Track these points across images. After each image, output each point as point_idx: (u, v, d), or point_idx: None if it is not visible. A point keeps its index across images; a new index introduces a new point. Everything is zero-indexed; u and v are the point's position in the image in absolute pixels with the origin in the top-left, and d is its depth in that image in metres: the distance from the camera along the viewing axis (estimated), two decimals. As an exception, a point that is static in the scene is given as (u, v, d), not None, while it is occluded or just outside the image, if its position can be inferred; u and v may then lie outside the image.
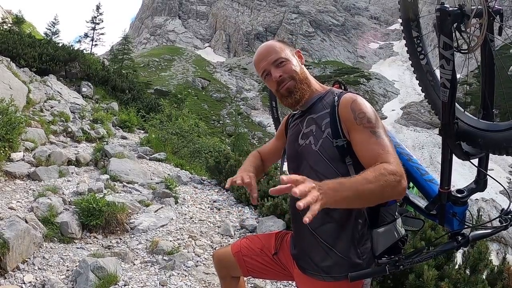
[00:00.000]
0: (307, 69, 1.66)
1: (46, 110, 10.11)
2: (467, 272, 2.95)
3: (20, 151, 6.15)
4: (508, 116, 1.23)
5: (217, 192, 6.51)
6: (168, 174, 7.21)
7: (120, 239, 4.21)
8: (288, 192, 1.10)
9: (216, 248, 4.11)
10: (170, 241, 4.22)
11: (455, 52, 1.17)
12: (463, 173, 16.77)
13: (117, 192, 5.52)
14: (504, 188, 1.72)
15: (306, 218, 1.04)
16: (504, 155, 1.19)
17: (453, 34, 1.16)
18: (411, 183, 1.57)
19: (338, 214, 1.46)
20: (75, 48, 18.10)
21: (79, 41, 37.44)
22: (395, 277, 2.97)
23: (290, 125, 1.73)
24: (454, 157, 1.37)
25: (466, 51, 1.22)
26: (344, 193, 1.17)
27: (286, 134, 1.76)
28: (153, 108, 15.66)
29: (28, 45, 14.86)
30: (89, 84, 15.35)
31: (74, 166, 6.52)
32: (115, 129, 11.31)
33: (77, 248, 3.87)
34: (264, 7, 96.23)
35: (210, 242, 4.36)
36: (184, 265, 3.68)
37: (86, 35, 37.47)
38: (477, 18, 1.15)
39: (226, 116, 48.63)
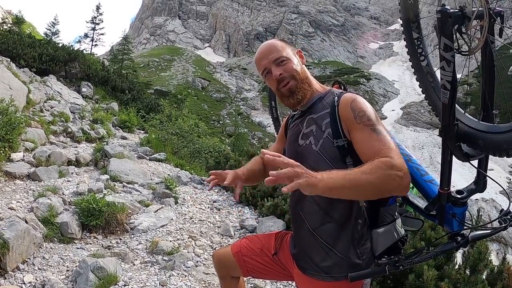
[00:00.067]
0: (307, 69, 1.67)
1: (46, 110, 10.11)
2: (467, 272, 2.95)
3: (20, 152, 6.15)
4: (509, 118, 1.23)
5: (217, 192, 6.51)
6: (168, 174, 7.21)
7: (120, 239, 4.21)
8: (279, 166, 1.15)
9: (216, 248, 4.11)
10: (170, 241, 4.22)
11: (455, 53, 1.17)
12: (463, 173, 16.77)
13: (117, 192, 5.52)
14: (504, 189, 1.73)
15: (284, 188, 1.10)
16: (505, 157, 1.19)
17: (454, 35, 1.16)
18: (410, 183, 1.57)
19: (338, 214, 1.46)
20: (75, 48, 18.10)
21: (79, 41, 37.44)
22: (395, 277, 2.98)
23: (290, 126, 1.73)
24: (454, 158, 1.37)
25: (467, 52, 1.22)
26: (338, 181, 1.19)
27: (286, 135, 1.76)
28: (153, 108, 15.66)
29: (28, 45, 14.86)
30: (89, 84, 15.35)
31: (74, 166, 6.52)
32: (115, 129, 11.31)
33: (77, 248, 3.87)
34: (264, 7, 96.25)
35: (210, 242, 4.36)
36: (184, 265, 3.68)
37: (86, 35, 37.44)
38: (478, 20, 1.16)
39: (226, 116, 48.63)
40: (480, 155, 1.35)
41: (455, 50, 1.17)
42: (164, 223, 4.69)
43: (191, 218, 5.06)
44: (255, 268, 1.85)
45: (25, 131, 6.96)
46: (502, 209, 1.38)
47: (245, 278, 2.27)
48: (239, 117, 45.33)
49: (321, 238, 1.50)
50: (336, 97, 1.50)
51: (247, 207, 5.73)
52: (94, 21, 37.53)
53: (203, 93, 55.83)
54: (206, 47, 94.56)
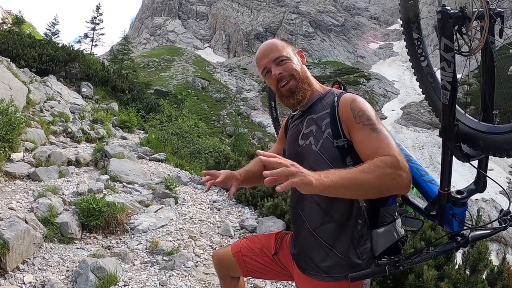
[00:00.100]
0: (307, 69, 1.67)
1: (46, 110, 10.11)
2: (467, 272, 2.95)
3: (20, 152, 6.15)
4: (509, 118, 1.23)
5: (217, 192, 6.51)
6: (168, 175, 7.21)
7: (120, 239, 4.22)
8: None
9: (216, 249, 4.11)
10: (170, 241, 4.22)
11: (456, 54, 1.17)
12: (463, 174, 16.76)
13: (117, 193, 5.52)
14: (504, 189, 1.73)
15: (278, 187, 1.10)
16: (505, 158, 1.19)
17: (454, 36, 1.16)
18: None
19: (338, 214, 1.46)
20: (75, 49, 18.11)
21: (79, 42, 37.46)
22: (395, 277, 2.98)
23: (290, 126, 1.73)
24: (454, 158, 1.37)
25: (467, 53, 1.22)
26: (336, 180, 1.20)
27: (286, 135, 1.76)
28: (153, 109, 15.66)
29: (28, 45, 14.86)
30: (89, 84, 15.35)
31: (74, 167, 6.52)
32: (115, 130, 11.31)
33: (77, 248, 3.87)
34: (264, 7, 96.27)
35: (210, 243, 4.36)
36: (184, 265, 3.68)
37: (86, 36, 37.47)
38: (478, 21, 1.16)
39: (226, 116, 48.64)
40: (480, 155, 1.35)
41: (455, 51, 1.17)
42: (164, 223, 4.69)
43: (191, 218, 5.06)
44: (255, 268, 1.85)
45: (25, 131, 6.96)
46: (502, 209, 1.38)
47: (245, 278, 2.27)
48: (239, 117, 45.34)
49: (321, 238, 1.50)
50: (336, 97, 1.51)
51: (247, 207, 5.73)
52: (94, 21, 37.55)
53: (203, 93, 55.84)
54: (206, 47, 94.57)
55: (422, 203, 1.52)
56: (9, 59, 12.52)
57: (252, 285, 3.45)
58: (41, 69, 13.91)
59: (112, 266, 3.31)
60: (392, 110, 54.52)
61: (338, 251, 1.47)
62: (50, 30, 32.20)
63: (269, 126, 44.12)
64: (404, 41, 1.57)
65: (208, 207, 5.66)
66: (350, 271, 1.42)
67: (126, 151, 7.94)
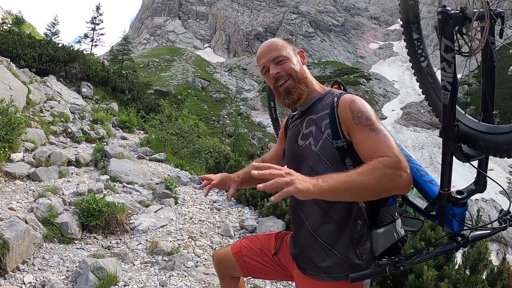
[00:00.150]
0: (307, 69, 1.67)
1: (46, 110, 10.11)
2: (467, 272, 2.95)
3: (20, 152, 6.15)
4: (509, 118, 1.23)
5: (217, 192, 6.51)
6: (168, 175, 7.21)
7: (120, 239, 4.22)
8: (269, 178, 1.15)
9: (216, 249, 4.11)
10: (170, 241, 4.22)
11: (456, 54, 1.17)
12: (463, 174, 16.77)
13: (117, 193, 5.52)
14: (504, 189, 1.73)
15: (272, 198, 1.11)
16: (505, 158, 1.19)
17: (455, 37, 1.16)
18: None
19: (338, 215, 1.46)
20: (75, 49, 18.12)
21: (79, 42, 37.49)
22: (394, 277, 2.98)
23: (289, 126, 1.74)
24: (454, 158, 1.37)
25: (468, 54, 1.22)
26: (334, 184, 1.20)
27: (286, 136, 1.77)
28: (153, 109, 15.67)
29: (28, 45, 14.87)
30: (89, 84, 15.35)
31: (74, 167, 6.52)
32: (115, 130, 11.31)
33: (77, 248, 3.87)
34: (264, 8, 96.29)
35: (210, 243, 4.36)
36: (184, 265, 3.68)
37: (86, 36, 37.49)
38: (478, 21, 1.15)
39: (226, 116, 48.65)
40: (481, 155, 1.35)
41: (455, 51, 1.17)
42: (164, 223, 4.69)
43: (191, 219, 5.07)
44: (255, 268, 1.85)
45: (25, 131, 6.97)
46: (502, 209, 1.38)
47: (245, 278, 2.27)
48: (239, 117, 45.37)
49: (321, 239, 1.50)
50: (336, 98, 1.51)
51: (247, 207, 5.73)
52: (94, 21, 37.57)
53: (203, 93, 55.86)
54: (206, 47, 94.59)
55: (422, 203, 1.52)
56: (9, 59, 12.52)
57: (252, 285, 3.45)
58: (41, 69, 13.92)
59: (112, 266, 3.31)
60: (392, 110, 54.53)
61: (337, 251, 1.47)
62: (50, 30, 32.21)
63: (269, 126, 44.07)
64: (404, 41, 1.56)
65: (208, 207, 5.66)
66: (349, 271, 1.42)
67: (126, 151, 7.94)
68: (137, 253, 3.92)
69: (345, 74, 62.47)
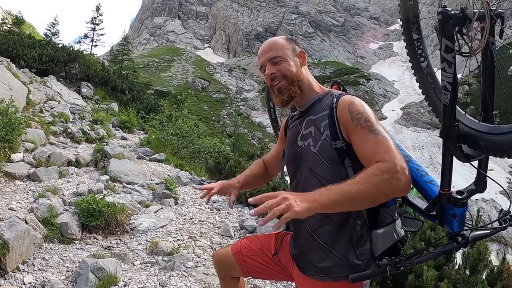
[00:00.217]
0: (307, 70, 1.67)
1: (46, 111, 10.11)
2: (467, 272, 2.95)
3: (20, 152, 6.15)
4: (509, 118, 1.23)
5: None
6: (168, 175, 7.21)
7: (120, 239, 4.22)
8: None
9: (216, 249, 4.11)
10: (170, 241, 4.22)
11: (456, 55, 1.17)
12: (463, 174, 16.78)
13: (117, 193, 5.52)
14: (504, 189, 1.73)
15: (276, 227, 1.13)
16: (506, 158, 1.19)
17: (455, 37, 1.16)
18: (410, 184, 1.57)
19: (337, 216, 1.46)
20: (75, 49, 18.12)
21: (79, 42, 37.54)
22: (394, 277, 2.98)
23: (289, 127, 1.74)
24: (454, 158, 1.37)
25: (468, 54, 1.22)
26: (332, 197, 1.20)
27: (286, 136, 1.77)
28: (153, 109, 15.66)
29: (28, 45, 14.86)
30: (89, 84, 15.35)
31: (74, 167, 6.53)
32: (115, 130, 11.31)
33: (77, 249, 3.87)
34: (264, 8, 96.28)
35: (210, 243, 4.36)
36: (184, 265, 3.68)
37: (86, 36, 37.53)
38: (478, 21, 1.15)
39: (226, 116, 48.65)
40: (481, 155, 1.35)
41: (456, 52, 1.17)
42: (164, 223, 4.69)
43: (191, 219, 5.06)
44: (255, 269, 1.85)
45: (25, 131, 6.97)
46: (502, 209, 1.38)
47: (245, 279, 2.27)
48: (239, 117, 45.39)
49: (320, 239, 1.50)
50: (335, 99, 1.51)
51: (247, 207, 5.73)
52: (94, 21, 37.61)
53: (203, 94, 55.86)
54: (206, 48, 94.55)
55: (422, 204, 1.52)
56: (9, 60, 12.52)
57: (252, 285, 3.45)
58: (41, 70, 13.92)
59: (112, 267, 3.31)
60: (392, 110, 54.53)
61: (337, 251, 1.47)
62: (50, 30, 32.22)
63: (269, 126, 43.95)
64: (404, 41, 1.56)
65: (208, 208, 5.66)
66: (349, 271, 1.42)
67: (126, 151, 7.94)
68: (137, 253, 3.92)
69: (345, 74, 62.47)
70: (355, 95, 1.53)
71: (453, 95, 1.21)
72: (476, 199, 25.69)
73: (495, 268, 3.01)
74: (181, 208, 5.46)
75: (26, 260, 3.43)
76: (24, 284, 3.12)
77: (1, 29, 18.42)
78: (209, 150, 10.62)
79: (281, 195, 1.17)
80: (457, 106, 1.28)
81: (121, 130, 11.79)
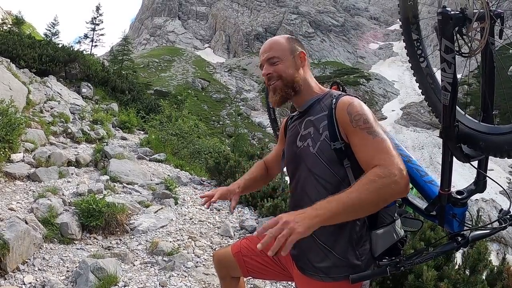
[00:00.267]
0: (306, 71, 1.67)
1: (46, 111, 10.11)
2: (467, 272, 2.95)
3: (20, 152, 6.15)
4: (509, 118, 1.23)
5: (217, 192, 6.50)
6: (168, 175, 7.21)
7: (120, 240, 4.22)
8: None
9: (216, 249, 4.11)
10: (170, 242, 4.22)
11: (456, 55, 1.17)
12: (463, 174, 16.77)
13: (117, 193, 5.52)
14: (504, 189, 1.73)
15: (282, 253, 1.13)
16: (506, 158, 1.19)
17: (455, 37, 1.16)
18: (410, 184, 1.57)
19: None
20: (75, 49, 18.11)
21: (79, 42, 37.47)
22: (394, 277, 2.98)
23: (289, 127, 1.74)
24: (454, 158, 1.38)
25: (468, 54, 1.22)
26: (333, 209, 1.22)
27: (286, 136, 1.77)
28: (153, 109, 15.67)
29: (28, 46, 14.87)
30: (89, 85, 15.35)
31: (74, 167, 6.52)
32: (115, 130, 11.31)
33: (77, 249, 3.87)
34: (264, 8, 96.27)
35: (209, 243, 4.36)
36: (184, 265, 3.69)
37: (86, 36, 37.47)
38: (478, 22, 1.16)
39: (226, 116, 48.65)
40: (481, 156, 1.35)
41: (456, 52, 1.17)
42: (164, 223, 4.69)
43: (191, 219, 5.07)
44: (255, 269, 1.86)
45: (25, 131, 6.97)
46: (502, 209, 1.38)
47: (245, 279, 2.27)
48: (239, 117, 45.36)
49: (320, 240, 1.50)
50: (334, 100, 1.51)
51: (247, 207, 5.73)
52: (94, 21, 37.56)
53: (203, 94, 55.84)
54: (206, 48, 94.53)
55: (422, 204, 1.52)
56: (9, 60, 12.51)
57: (252, 286, 3.45)
58: (41, 70, 13.92)
59: (112, 267, 3.31)
60: (392, 111, 54.52)
61: (336, 252, 1.47)
62: (50, 30, 32.21)
63: (269, 127, 43.96)
64: (404, 42, 1.56)
65: (208, 208, 5.65)
66: (349, 271, 1.42)
67: (126, 151, 7.94)
68: (137, 253, 3.92)
69: (345, 74, 62.45)
70: (354, 96, 1.53)
71: (453, 95, 1.21)
72: (476, 199, 25.70)
73: (495, 268, 3.01)
74: (181, 208, 5.46)
75: (26, 260, 3.43)
76: (24, 284, 3.12)
77: (1, 29, 18.42)
78: (209, 150, 10.61)
79: (281, 220, 1.17)
80: (456, 106, 1.28)
81: (121, 130, 11.79)
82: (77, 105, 12.13)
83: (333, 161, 1.46)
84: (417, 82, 1.59)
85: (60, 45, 17.66)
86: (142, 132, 12.80)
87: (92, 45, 36.51)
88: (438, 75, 1.33)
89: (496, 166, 35.44)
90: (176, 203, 5.59)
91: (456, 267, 2.99)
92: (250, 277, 2.38)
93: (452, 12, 1.14)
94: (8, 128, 5.77)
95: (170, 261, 3.68)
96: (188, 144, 11.03)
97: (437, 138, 36.41)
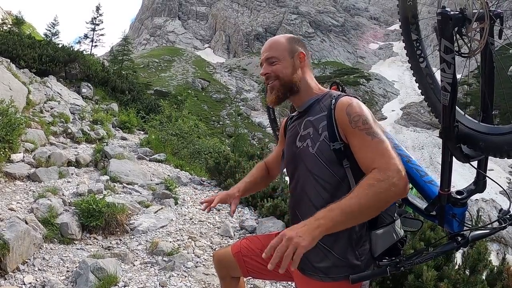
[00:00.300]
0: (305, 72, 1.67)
1: (46, 111, 10.11)
2: (467, 272, 2.95)
3: (20, 152, 6.15)
4: (508, 118, 1.23)
5: (217, 192, 6.50)
6: (168, 175, 7.21)
7: (120, 240, 4.22)
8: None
9: (216, 249, 4.11)
10: (170, 242, 4.23)
11: (456, 55, 1.17)
12: (463, 174, 16.76)
13: (117, 193, 5.52)
14: (504, 189, 1.73)
15: (292, 268, 1.15)
16: (505, 158, 1.19)
17: (454, 38, 1.16)
18: (410, 184, 1.57)
19: None
20: (75, 49, 18.11)
21: (79, 42, 37.45)
22: (394, 277, 2.98)
23: (288, 127, 1.75)
24: (454, 158, 1.38)
25: (467, 54, 1.22)
26: (335, 218, 1.23)
27: (286, 137, 1.78)
28: (153, 109, 15.67)
29: (28, 46, 14.87)
30: (89, 85, 15.35)
31: (74, 167, 6.53)
32: (115, 130, 11.31)
33: (77, 249, 3.88)
34: (264, 8, 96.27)
35: (209, 243, 4.36)
36: (183, 266, 3.69)
37: (86, 36, 37.46)
38: (478, 22, 1.16)
39: (226, 116, 48.65)
40: (480, 156, 1.35)
41: (455, 52, 1.17)
42: (164, 223, 4.69)
43: (191, 219, 5.07)
44: (255, 269, 1.86)
45: (25, 132, 6.97)
46: (501, 209, 1.38)
47: (245, 279, 2.27)
48: (239, 117, 45.36)
49: (319, 240, 1.50)
50: (333, 100, 1.51)
51: (246, 207, 5.73)
52: (94, 21, 37.55)
53: (203, 94, 55.84)
54: (206, 48, 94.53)
55: (421, 204, 1.52)
56: (9, 60, 12.52)
57: (252, 286, 3.45)
58: (41, 70, 13.92)
59: (112, 267, 3.31)
60: (392, 111, 54.52)
61: (336, 252, 1.47)
62: (50, 30, 32.22)
63: (269, 127, 43.88)
64: (403, 42, 1.56)
65: (208, 212, 5.65)
66: (348, 271, 1.42)
67: (126, 151, 7.94)
68: (137, 253, 3.92)
69: (345, 74, 62.44)
70: (354, 96, 1.53)
71: (453, 96, 1.21)
72: (476, 199, 25.71)
73: (495, 268, 3.01)
74: (181, 208, 5.46)
75: (26, 260, 3.43)
76: (24, 284, 3.12)
77: (1, 29, 18.42)
78: (209, 150, 10.61)
79: (284, 237, 1.19)
80: (456, 107, 1.28)
81: (121, 130, 11.79)
82: (77, 105, 12.13)
83: (332, 161, 1.46)
84: (416, 82, 1.59)
85: (60, 45, 17.66)
86: (142, 132, 12.81)
87: (92, 45, 36.52)
88: (437, 75, 1.33)
89: (496, 166, 35.44)
90: (176, 203, 5.59)
91: (456, 267, 2.99)
92: (250, 277, 2.38)
93: (451, 13, 1.14)
94: (8, 128, 5.78)
95: (170, 261, 3.68)
96: (188, 144, 11.03)
97: (437, 138, 36.42)
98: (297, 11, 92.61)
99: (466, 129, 1.31)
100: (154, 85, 50.25)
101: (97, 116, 11.19)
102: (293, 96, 1.63)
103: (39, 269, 3.38)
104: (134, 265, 3.66)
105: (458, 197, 1.36)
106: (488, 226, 1.44)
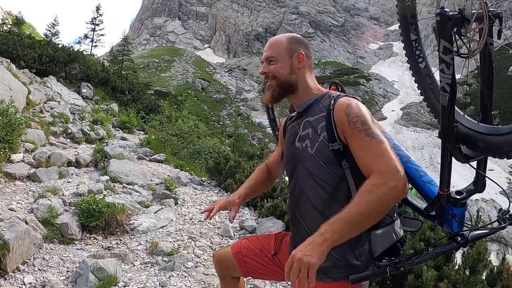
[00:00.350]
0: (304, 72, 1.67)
1: (46, 111, 10.11)
2: (467, 272, 2.95)
3: (20, 152, 6.15)
4: (508, 118, 1.23)
5: (217, 193, 6.51)
6: (168, 175, 7.21)
7: (120, 240, 4.22)
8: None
9: (216, 249, 4.12)
10: (170, 242, 4.23)
11: (455, 56, 1.17)
12: (463, 174, 16.76)
13: (117, 193, 5.52)
14: (503, 189, 1.73)
15: (311, 285, 1.19)
16: (505, 159, 1.19)
17: (453, 38, 1.16)
18: (409, 184, 1.57)
19: None
20: (75, 49, 18.12)
21: (79, 42, 37.45)
22: (394, 277, 2.98)
23: (288, 128, 1.75)
24: (453, 159, 1.38)
25: (466, 55, 1.22)
26: (338, 230, 1.24)
27: (285, 137, 1.78)
28: (153, 109, 15.66)
29: (28, 46, 14.86)
30: (89, 85, 15.34)
31: (74, 167, 6.53)
32: (115, 130, 11.31)
33: (77, 249, 3.88)
34: (264, 8, 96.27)
35: (209, 243, 4.36)
36: (183, 266, 3.69)
37: (86, 36, 37.46)
38: (477, 22, 1.16)
39: (226, 117, 48.66)
40: (480, 156, 1.35)
41: (454, 53, 1.17)
42: (164, 224, 4.70)
43: (191, 219, 5.07)
44: (255, 269, 1.86)
45: (25, 132, 6.97)
46: (501, 208, 1.38)
47: (245, 279, 2.27)
48: (239, 117, 45.36)
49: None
50: (332, 101, 1.51)
51: (246, 208, 5.73)
52: (94, 22, 37.56)
53: (203, 94, 55.85)
54: (206, 48, 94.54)
55: (421, 204, 1.52)
56: (9, 60, 12.51)
57: (252, 286, 3.45)
58: (41, 70, 13.91)
59: (112, 267, 3.32)
60: (392, 111, 54.52)
61: (335, 252, 1.46)
62: (50, 31, 32.19)
63: (269, 127, 43.90)
64: (402, 42, 1.57)
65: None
66: (348, 272, 1.42)
67: (126, 152, 7.94)
68: (137, 253, 3.92)
69: (345, 74, 62.43)
70: (353, 97, 1.53)
71: (452, 96, 1.22)
72: (476, 199, 25.70)
73: (495, 268, 3.01)
74: (181, 209, 5.46)
75: (26, 260, 3.44)
76: (24, 284, 3.12)
77: (1, 29, 18.41)
78: (209, 150, 10.61)
79: (294, 259, 1.22)
80: (455, 107, 1.28)
81: (121, 131, 11.78)
82: (77, 105, 12.13)
83: (331, 162, 1.46)
84: (416, 83, 1.59)
85: (60, 46, 17.65)
86: (142, 133, 12.80)
87: (92, 45, 36.52)
88: (437, 75, 1.34)
89: (496, 166, 35.42)
90: (176, 203, 5.59)
91: (456, 267, 2.99)
92: (250, 277, 2.38)
93: (450, 13, 1.14)
94: (8, 129, 5.78)
95: (170, 261, 3.68)
96: (188, 145, 11.03)
97: (437, 139, 36.13)
98: (297, 11, 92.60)
99: (466, 129, 1.31)
100: (154, 85, 50.27)
101: (97, 116, 11.18)
102: (291, 96, 1.64)
103: (39, 269, 3.38)
104: (134, 265, 3.66)
105: (458, 197, 1.36)
106: (488, 226, 1.44)
